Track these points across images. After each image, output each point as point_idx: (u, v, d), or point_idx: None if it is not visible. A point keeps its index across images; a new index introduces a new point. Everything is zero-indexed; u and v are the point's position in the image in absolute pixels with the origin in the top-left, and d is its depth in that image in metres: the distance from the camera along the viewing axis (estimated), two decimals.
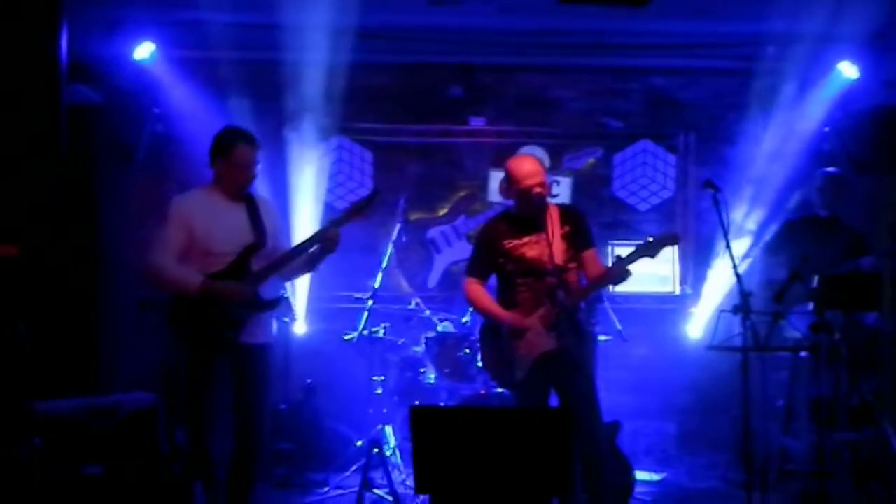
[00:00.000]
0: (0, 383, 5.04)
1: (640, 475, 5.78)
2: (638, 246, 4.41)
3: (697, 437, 6.75)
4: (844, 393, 5.48)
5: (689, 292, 7.09)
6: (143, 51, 6.49)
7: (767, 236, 6.50)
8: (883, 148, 7.07)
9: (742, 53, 6.69)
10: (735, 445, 5.97)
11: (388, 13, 6.16)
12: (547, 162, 7.06)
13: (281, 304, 4.64)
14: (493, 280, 4.75)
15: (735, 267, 4.64)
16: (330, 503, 5.66)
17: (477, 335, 5.17)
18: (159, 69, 6.64)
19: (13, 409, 4.87)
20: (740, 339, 4.67)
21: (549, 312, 4.47)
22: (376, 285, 6.04)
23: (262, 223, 4.43)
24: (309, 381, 6.31)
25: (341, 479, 5.85)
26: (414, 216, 6.91)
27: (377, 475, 5.53)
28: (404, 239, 6.26)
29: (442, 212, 7.27)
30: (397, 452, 5.90)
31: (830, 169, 6.31)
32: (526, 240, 4.58)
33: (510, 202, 4.73)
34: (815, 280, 5.47)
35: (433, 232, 7.25)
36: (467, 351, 5.82)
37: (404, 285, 7.17)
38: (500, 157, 6.59)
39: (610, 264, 4.51)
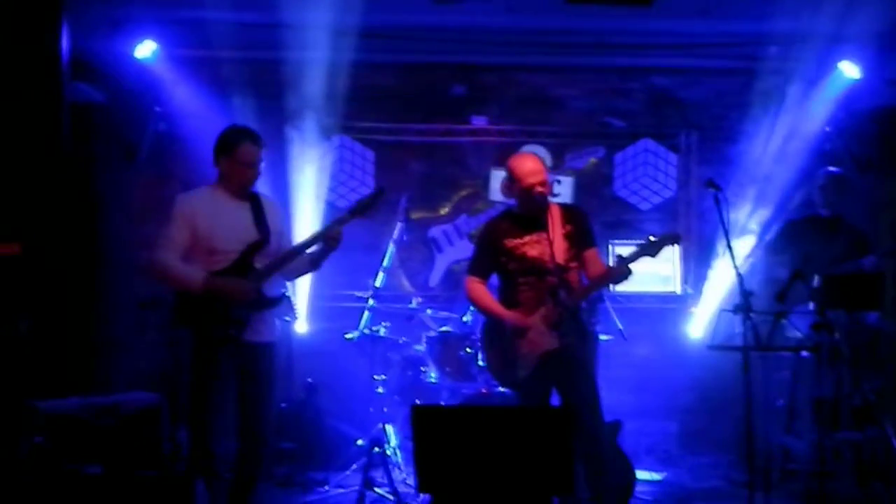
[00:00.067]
0: (1, 381, 5.06)
1: (642, 474, 5.77)
2: (639, 245, 4.41)
3: (699, 437, 6.75)
4: (846, 392, 5.48)
5: (691, 292, 7.08)
6: (146, 49, 6.50)
7: (769, 235, 6.50)
8: (885, 148, 7.07)
9: (744, 53, 6.69)
10: (737, 445, 5.97)
11: (390, 12, 6.16)
12: (549, 161, 7.05)
13: (283, 302, 4.64)
14: (494, 279, 4.75)
15: (736, 266, 4.64)
16: (331, 502, 5.66)
17: (478, 334, 5.17)
18: (161, 68, 6.65)
19: (15, 408, 4.88)
20: (741, 339, 4.66)
21: (551, 311, 4.47)
22: (378, 284, 6.04)
23: (266, 222, 4.44)
24: (310, 379, 6.31)
25: (342, 477, 5.86)
26: (416, 215, 6.90)
27: (378, 474, 5.53)
28: (406, 238, 6.26)
29: (444, 211, 7.27)
30: (398, 451, 5.89)
31: (833, 168, 6.30)
32: (527, 239, 4.58)
33: (512, 201, 4.73)
34: (817, 280, 5.48)
35: (435, 231, 7.25)
36: (469, 350, 5.81)
37: (406, 284, 7.17)
38: (502, 156, 6.58)
39: (611, 264, 4.51)
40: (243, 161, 4.40)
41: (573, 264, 4.59)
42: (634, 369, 6.58)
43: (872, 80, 6.66)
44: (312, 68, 6.42)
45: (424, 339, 6.05)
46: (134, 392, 5.43)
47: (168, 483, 4.52)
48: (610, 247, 6.65)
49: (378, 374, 6.06)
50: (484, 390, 5.72)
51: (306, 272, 4.76)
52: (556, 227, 4.58)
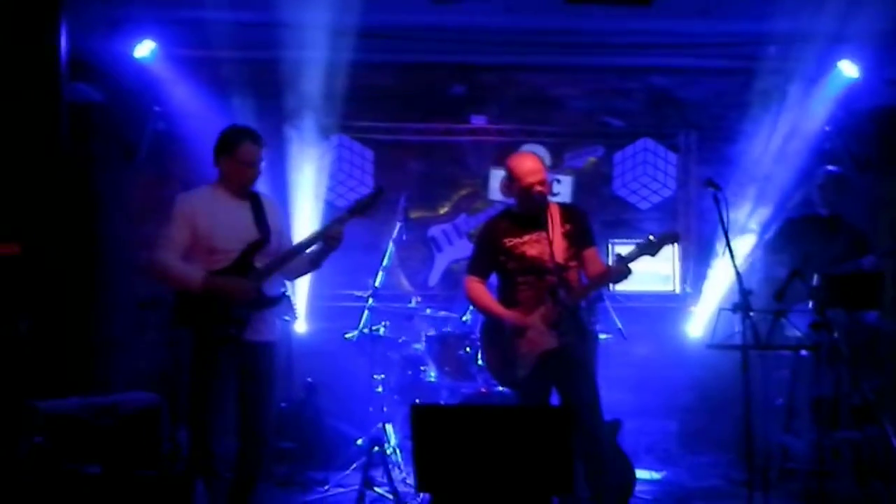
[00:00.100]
0: (1, 381, 5.05)
1: (641, 474, 5.77)
2: (639, 244, 4.41)
3: (698, 436, 6.76)
4: (845, 392, 5.48)
5: (690, 291, 7.08)
6: (144, 49, 6.50)
7: (768, 235, 6.50)
8: (884, 147, 7.07)
9: (744, 53, 6.69)
10: (736, 444, 5.97)
11: (389, 12, 6.16)
12: (548, 160, 7.05)
13: (283, 302, 4.64)
14: (494, 278, 4.75)
15: (735, 265, 4.64)
16: (330, 501, 5.65)
17: (478, 333, 5.17)
18: (160, 67, 6.65)
19: (14, 408, 4.87)
20: (741, 338, 4.66)
21: (551, 311, 4.47)
22: (377, 284, 6.04)
23: (266, 221, 4.44)
24: (310, 379, 6.31)
25: (342, 477, 5.85)
26: (415, 214, 6.89)
27: (378, 473, 5.53)
28: (405, 237, 6.26)
29: (443, 210, 7.27)
30: (398, 451, 5.89)
31: (832, 168, 6.31)
32: (527, 238, 4.58)
33: (511, 201, 4.73)
34: (816, 279, 5.48)
35: (434, 230, 7.25)
36: (468, 349, 5.81)
37: (405, 284, 7.17)
38: (502, 155, 6.58)
39: (611, 263, 4.51)
40: (244, 160, 4.40)
41: (572, 263, 4.59)
42: (634, 368, 6.59)
43: (872, 80, 6.67)
44: (311, 68, 6.42)
45: (424, 339, 6.05)
46: (133, 392, 5.43)
47: (167, 483, 4.52)
48: (609, 246, 6.64)
49: (377, 374, 6.06)
50: (483, 390, 5.72)
51: (306, 272, 4.75)
52: (556, 227, 4.58)
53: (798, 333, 5.46)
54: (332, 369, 6.60)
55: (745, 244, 6.66)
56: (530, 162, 4.62)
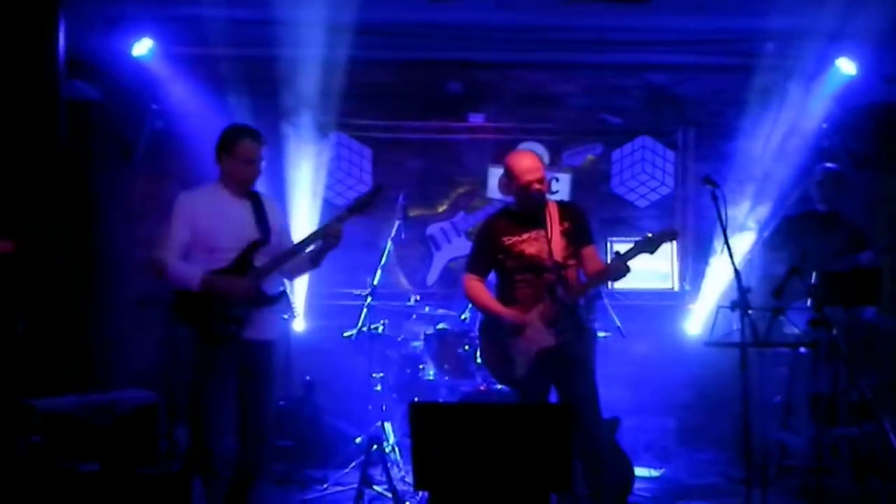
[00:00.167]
0: None
1: (640, 471, 5.78)
2: (637, 242, 4.41)
3: (697, 433, 6.76)
4: (843, 388, 5.49)
5: (689, 288, 7.08)
6: (142, 47, 6.49)
7: (766, 232, 6.51)
8: (882, 144, 7.08)
9: (741, 50, 6.68)
10: (734, 441, 5.97)
11: (386, 9, 6.15)
12: (546, 158, 7.05)
13: (282, 300, 4.64)
14: (492, 276, 4.75)
15: (733, 263, 4.64)
16: (329, 500, 5.65)
17: (476, 331, 5.17)
18: (158, 65, 6.64)
19: (11, 406, 4.87)
20: (739, 335, 4.66)
21: (549, 309, 4.47)
22: (375, 282, 6.03)
23: (266, 220, 4.45)
24: (308, 377, 6.30)
25: (341, 475, 5.85)
26: (413, 213, 6.88)
27: (376, 472, 5.53)
28: (403, 235, 6.25)
29: (441, 208, 7.27)
30: (396, 449, 5.89)
31: (830, 165, 6.31)
32: (525, 236, 4.57)
33: (510, 198, 4.72)
34: (815, 276, 5.48)
35: (432, 228, 7.25)
36: (467, 347, 5.81)
37: (403, 282, 7.17)
38: (500, 153, 6.59)
39: (609, 261, 4.51)
40: (243, 157, 4.41)
41: (571, 261, 4.59)
42: (632, 366, 6.59)
43: (870, 77, 6.67)
44: (309, 65, 6.41)
45: (422, 337, 6.04)
46: (130, 390, 5.43)
47: (165, 481, 4.51)
48: (607, 244, 6.65)
49: (376, 372, 6.06)
50: (482, 387, 5.72)
51: (306, 270, 4.76)
52: (554, 225, 4.57)
53: (796, 330, 5.46)
54: (331, 367, 6.60)
55: (743, 241, 6.66)
56: (528, 160, 4.61)
